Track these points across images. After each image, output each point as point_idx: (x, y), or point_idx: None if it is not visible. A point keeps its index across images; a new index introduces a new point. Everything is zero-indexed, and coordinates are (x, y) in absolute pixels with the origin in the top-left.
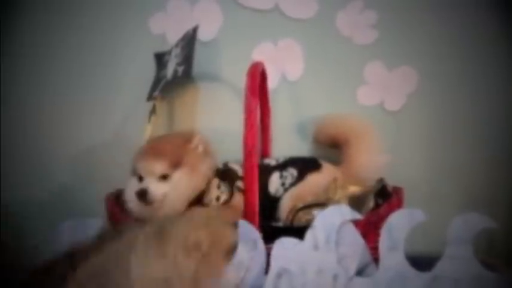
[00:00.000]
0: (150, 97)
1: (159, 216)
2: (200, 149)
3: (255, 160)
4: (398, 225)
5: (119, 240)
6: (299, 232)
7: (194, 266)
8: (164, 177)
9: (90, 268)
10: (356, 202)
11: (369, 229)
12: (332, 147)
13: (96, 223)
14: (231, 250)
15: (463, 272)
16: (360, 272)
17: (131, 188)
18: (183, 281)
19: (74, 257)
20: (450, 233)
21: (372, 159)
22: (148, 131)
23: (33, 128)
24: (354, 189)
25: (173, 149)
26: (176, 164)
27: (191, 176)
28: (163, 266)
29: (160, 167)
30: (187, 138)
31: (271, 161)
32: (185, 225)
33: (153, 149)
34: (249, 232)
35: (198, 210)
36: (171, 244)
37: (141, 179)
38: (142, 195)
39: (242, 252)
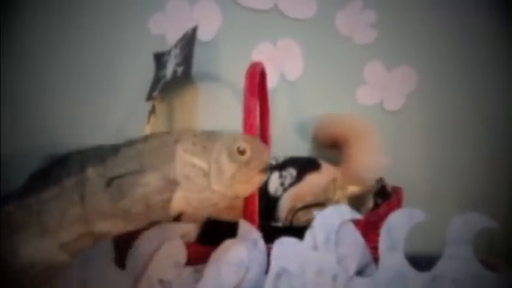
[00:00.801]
0: (149, 97)
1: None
2: None
3: None
4: (397, 225)
5: (166, 134)
6: (298, 232)
7: (234, 169)
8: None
9: (133, 151)
10: (355, 202)
11: (369, 229)
12: (332, 147)
13: None
14: (267, 167)
15: (463, 271)
16: (360, 272)
17: None
18: (221, 179)
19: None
20: (450, 233)
21: (371, 160)
22: (147, 131)
23: (33, 128)
24: (353, 189)
25: None
26: None
27: None
28: (206, 161)
29: None
30: None
31: (270, 161)
32: (233, 134)
33: None
34: (249, 232)
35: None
36: (217, 145)
37: None
38: None
39: (242, 252)
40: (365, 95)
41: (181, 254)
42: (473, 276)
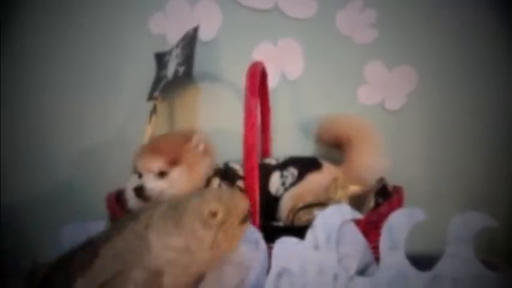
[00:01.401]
0: (150, 97)
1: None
2: (200, 148)
3: (256, 160)
4: (398, 225)
5: (136, 221)
6: (299, 232)
7: (212, 234)
8: (162, 175)
9: (112, 250)
10: (356, 201)
11: (370, 228)
12: (334, 147)
13: (98, 226)
14: (246, 217)
15: (463, 271)
16: (362, 272)
17: (131, 186)
18: (203, 248)
19: (92, 245)
20: (450, 232)
21: (373, 161)
22: (148, 131)
23: (34, 128)
24: (354, 188)
25: (172, 146)
26: (174, 162)
27: (189, 174)
28: (183, 237)
29: (157, 163)
30: (187, 137)
31: (271, 161)
32: (198, 199)
33: (152, 146)
34: (250, 232)
35: (208, 188)
36: (187, 217)
37: (140, 176)
38: (139, 191)
39: (243, 252)
40: (366, 94)
41: None
42: (474, 276)
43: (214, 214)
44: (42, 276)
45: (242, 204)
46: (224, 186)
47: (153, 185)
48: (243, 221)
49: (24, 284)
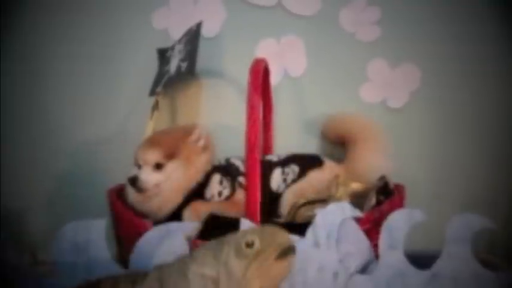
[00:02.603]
0: (152, 92)
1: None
2: (201, 142)
3: (257, 156)
4: (397, 225)
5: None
6: (300, 228)
7: (244, 266)
8: (158, 167)
9: (155, 277)
10: (358, 199)
11: (371, 226)
12: (339, 145)
13: (99, 224)
14: (285, 252)
15: (462, 270)
16: (362, 270)
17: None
18: (231, 280)
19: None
20: (449, 232)
21: (375, 159)
22: (150, 126)
23: (35, 124)
24: (355, 186)
25: (171, 140)
26: (171, 155)
27: (185, 167)
28: (216, 266)
29: (154, 155)
30: (188, 131)
31: (273, 157)
32: (243, 231)
33: (151, 138)
34: None
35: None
36: (225, 248)
37: (140, 168)
38: (133, 181)
39: None
40: (368, 92)
41: (183, 251)
42: (472, 275)
43: (250, 245)
44: None
45: (282, 238)
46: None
47: (147, 176)
48: (281, 256)
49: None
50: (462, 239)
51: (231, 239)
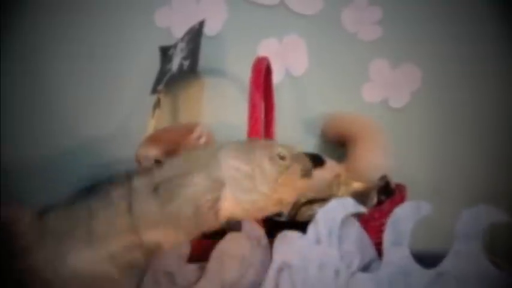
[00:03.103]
0: (154, 91)
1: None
2: (202, 140)
3: None
4: (404, 218)
5: (210, 147)
6: (302, 227)
7: (276, 172)
8: (158, 164)
9: (180, 159)
10: (359, 198)
11: (372, 225)
12: (339, 145)
13: None
14: (308, 173)
15: (468, 269)
16: (365, 268)
17: None
18: (265, 180)
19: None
20: (458, 228)
21: (376, 158)
22: (152, 124)
23: (37, 122)
24: (357, 185)
25: (171, 137)
26: (171, 152)
27: None
28: (250, 165)
29: (153, 152)
30: (189, 128)
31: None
32: (272, 142)
33: (153, 136)
34: (252, 229)
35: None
36: (257, 152)
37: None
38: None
39: (245, 248)
40: (370, 92)
41: (185, 247)
42: (479, 274)
43: (282, 157)
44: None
45: (306, 161)
46: None
47: None
48: (305, 175)
49: None
50: (470, 236)
51: (261, 145)
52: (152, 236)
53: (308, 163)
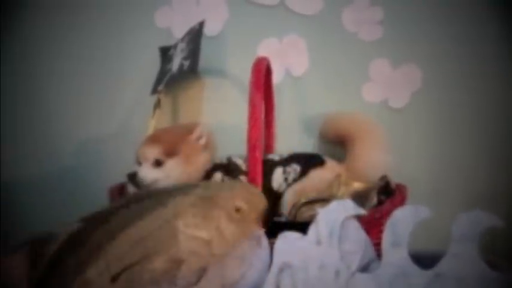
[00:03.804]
0: (154, 91)
1: (198, 183)
2: (202, 141)
3: (259, 155)
4: (402, 221)
5: (163, 207)
6: (302, 227)
7: (233, 228)
8: (158, 164)
9: (133, 236)
10: (359, 199)
11: (371, 226)
12: (338, 144)
13: None
14: (263, 215)
15: (466, 270)
16: (364, 268)
17: None
18: (222, 241)
19: (104, 224)
20: (454, 231)
21: (376, 158)
22: (152, 124)
23: (38, 121)
24: (357, 185)
25: (171, 137)
26: (171, 152)
27: (185, 165)
28: (208, 228)
29: (153, 152)
30: (189, 129)
31: (274, 156)
32: (229, 193)
33: (153, 136)
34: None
35: (238, 180)
36: (217, 209)
37: (140, 165)
38: (132, 177)
39: (245, 247)
40: (370, 92)
41: None
42: (477, 276)
43: (238, 210)
44: (49, 258)
45: (262, 204)
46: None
47: (146, 173)
48: (261, 218)
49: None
50: (468, 238)
51: (220, 200)
52: None
53: (263, 206)
